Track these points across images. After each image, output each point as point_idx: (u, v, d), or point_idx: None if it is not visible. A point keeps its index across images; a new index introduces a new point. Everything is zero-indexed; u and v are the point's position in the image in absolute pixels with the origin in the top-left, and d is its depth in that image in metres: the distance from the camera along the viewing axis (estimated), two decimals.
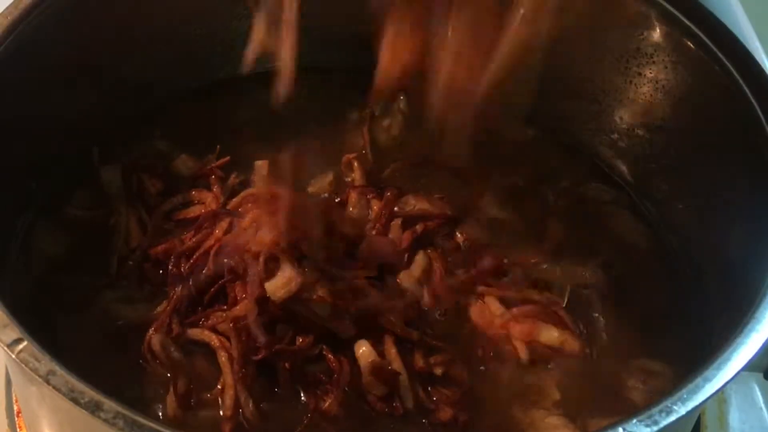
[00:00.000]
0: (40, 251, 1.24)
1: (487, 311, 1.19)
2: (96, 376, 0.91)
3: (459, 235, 1.27)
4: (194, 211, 1.26)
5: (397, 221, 1.23)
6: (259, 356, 1.08)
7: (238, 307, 1.09)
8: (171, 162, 1.34)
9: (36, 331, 0.88)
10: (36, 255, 1.23)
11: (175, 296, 1.14)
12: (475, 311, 1.19)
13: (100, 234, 1.25)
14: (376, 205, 1.26)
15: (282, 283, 1.07)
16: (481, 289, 1.21)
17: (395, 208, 1.27)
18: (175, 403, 1.07)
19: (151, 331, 1.12)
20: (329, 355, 1.09)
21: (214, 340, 1.10)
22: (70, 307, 1.17)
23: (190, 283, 1.14)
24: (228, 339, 1.10)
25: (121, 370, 1.11)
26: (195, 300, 1.14)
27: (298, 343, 1.09)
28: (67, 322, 1.15)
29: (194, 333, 1.12)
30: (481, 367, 1.15)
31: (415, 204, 1.28)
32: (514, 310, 1.19)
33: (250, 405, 1.06)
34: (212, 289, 1.13)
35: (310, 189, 1.34)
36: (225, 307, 1.12)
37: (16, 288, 1.16)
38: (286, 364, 1.08)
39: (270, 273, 1.08)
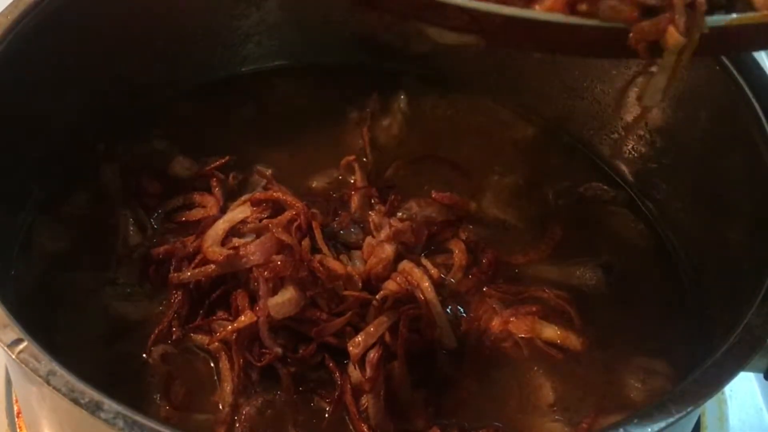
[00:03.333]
0: (40, 249, 1.24)
1: (489, 310, 1.19)
2: (96, 373, 0.92)
3: (462, 236, 1.27)
4: (196, 214, 1.26)
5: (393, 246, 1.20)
6: (263, 363, 1.07)
7: (242, 318, 1.08)
8: (169, 162, 1.33)
9: (36, 329, 0.88)
10: (37, 253, 1.23)
11: (176, 300, 1.14)
12: (477, 310, 1.19)
13: (99, 232, 1.25)
14: (377, 211, 1.25)
15: (283, 301, 1.07)
16: (482, 288, 1.21)
17: (399, 213, 1.27)
18: (167, 406, 1.07)
19: (152, 338, 1.11)
20: (331, 364, 1.09)
21: (217, 346, 1.10)
22: (71, 304, 1.17)
23: (191, 287, 1.13)
24: (229, 346, 1.10)
25: (121, 367, 1.11)
26: (196, 303, 1.14)
27: (301, 351, 1.09)
28: (67, 318, 1.15)
29: (197, 339, 1.12)
30: (483, 369, 1.15)
31: (418, 210, 1.28)
32: (516, 308, 1.19)
33: (247, 411, 1.06)
34: (214, 295, 1.13)
35: (313, 185, 1.34)
36: (226, 314, 1.12)
37: (17, 285, 1.17)
38: (291, 369, 1.08)
39: (274, 290, 1.08)
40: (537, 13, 0.83)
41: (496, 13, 0.83)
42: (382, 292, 1.12)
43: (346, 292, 1.11)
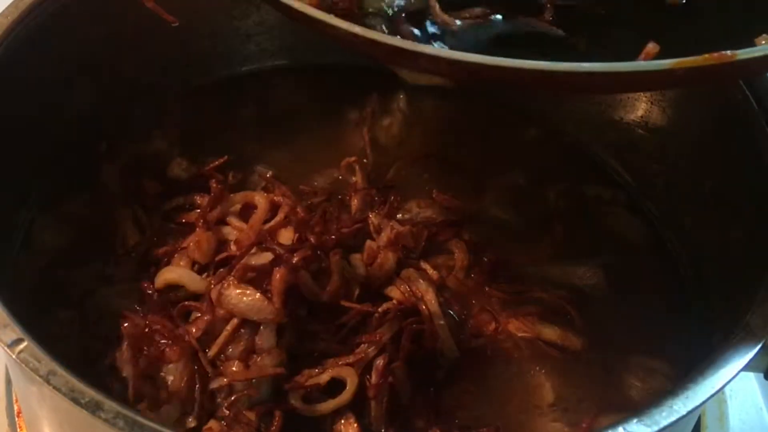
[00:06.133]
0: (41, 248, 1.24)
1: (489, 310, 1.19)
2: (96, 372, 0.92)
3: (463, 237, 1.27)
4: (196, 215, 1.25)
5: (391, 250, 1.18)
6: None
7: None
8: (168, 163, 1.33)
9: (36, 329, 0.88)
10: (37, 251, 1.24)
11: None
12: (478, 311, 1.19)
13: (99, 232, 1.25)
14: (377, 213, 1.24)
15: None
16: (484, 289, 1.21)
17: (399, 215, 1.27)
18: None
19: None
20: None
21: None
22: (71, 302, 1.17)
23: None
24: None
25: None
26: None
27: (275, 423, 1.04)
28: (67, 317, 1.15)
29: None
30: (483, 369, 1.15)
31: (418, 210, 1.28)
32: (516, 308, 1.20)
33: None
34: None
35: (315, 184, 1.34)
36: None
37: (17, 284, 1.17)
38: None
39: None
40: (509, 61, 0.79)
41: (469, 62, 0.79)
42: (385, 305, 1.11)
43: (346, 304, 1.10)
